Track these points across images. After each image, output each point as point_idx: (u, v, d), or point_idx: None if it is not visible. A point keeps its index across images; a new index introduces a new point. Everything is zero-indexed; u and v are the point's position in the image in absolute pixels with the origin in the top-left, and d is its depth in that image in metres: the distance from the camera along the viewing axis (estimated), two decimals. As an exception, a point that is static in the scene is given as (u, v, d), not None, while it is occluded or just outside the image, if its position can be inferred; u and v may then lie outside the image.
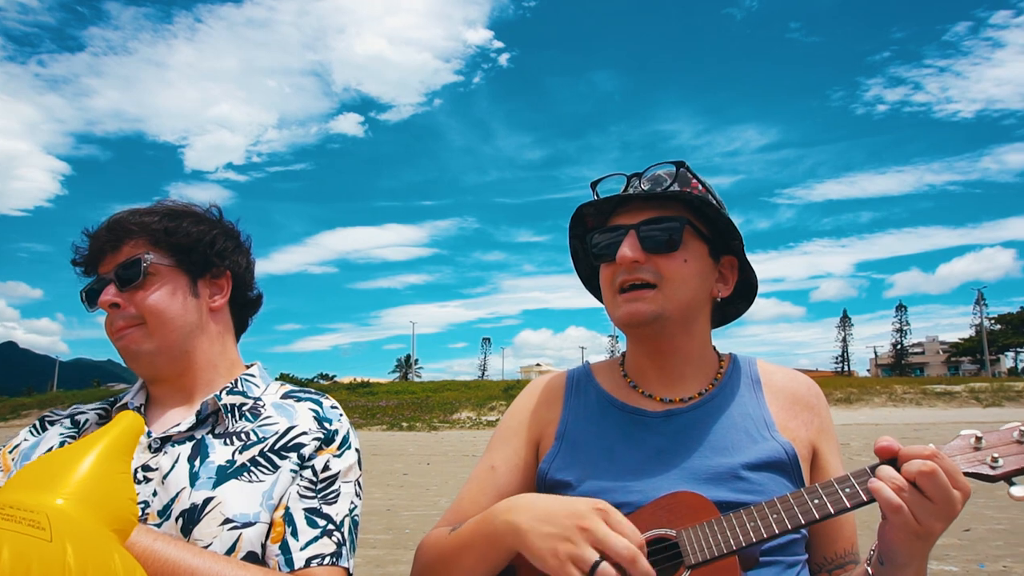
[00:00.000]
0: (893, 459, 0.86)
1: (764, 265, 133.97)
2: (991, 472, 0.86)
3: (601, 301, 1.27)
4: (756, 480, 1.02)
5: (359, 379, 55.17)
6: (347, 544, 1.06)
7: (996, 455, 0.86)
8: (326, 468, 1.09)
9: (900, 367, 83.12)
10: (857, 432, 21.30)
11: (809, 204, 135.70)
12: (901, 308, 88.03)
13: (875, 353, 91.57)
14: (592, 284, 1.27)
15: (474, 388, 46.16)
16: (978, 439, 0.88)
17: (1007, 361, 77.19)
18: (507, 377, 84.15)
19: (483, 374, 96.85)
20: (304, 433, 1.10)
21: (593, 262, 1.17)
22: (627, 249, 1.07)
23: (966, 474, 0.86)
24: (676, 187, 1.11)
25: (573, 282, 1.25)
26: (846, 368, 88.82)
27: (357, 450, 1.15)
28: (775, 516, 0.88)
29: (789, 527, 0.88)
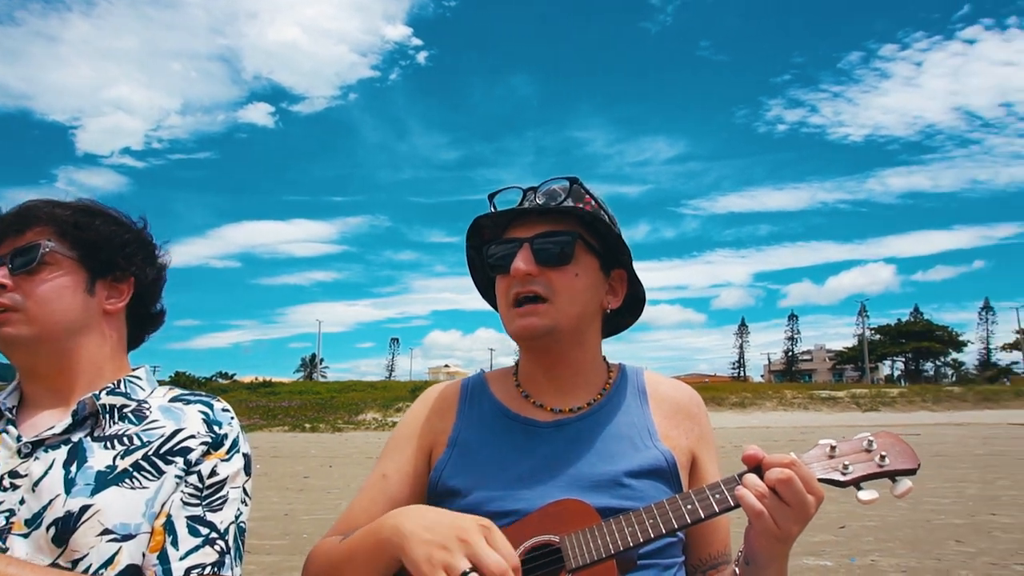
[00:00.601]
0: (758, 467, 0.93)
1: (669, 273, 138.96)
2: (842, 478, 0.94)
3: (497, 311, 1.29)
4: (637, 487, 1.07)
5: (261, 378, 53.15)
6: (232, 552, 1.02)
7: (847, 463, 0.94)
8: (213, 473, 1.04)
9: (791, 373, 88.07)
10: (750, 435, 22.40)
11: (712, 215, 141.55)
12: (793, 317, 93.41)
13: (768, 360, 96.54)
14: (489, 294, 1.29)
15: (381, 389, 45.45)
16: (833, 448, 0.96)
17: (885, 369, 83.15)
18: (415, 378, 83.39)
19: (391, 375, 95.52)
20: (192, 436, 1.05)
21: (489, 273, 1.18)
22: (521, 262, 1.10)
23: (820, 480, 0.93)
24: (570, 202, 1.14)
25: None
26: (742, 373, 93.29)
27: (246, 455, 1.11)
28: (651, 521, 0.93)
29: (664, 531, 0.93)
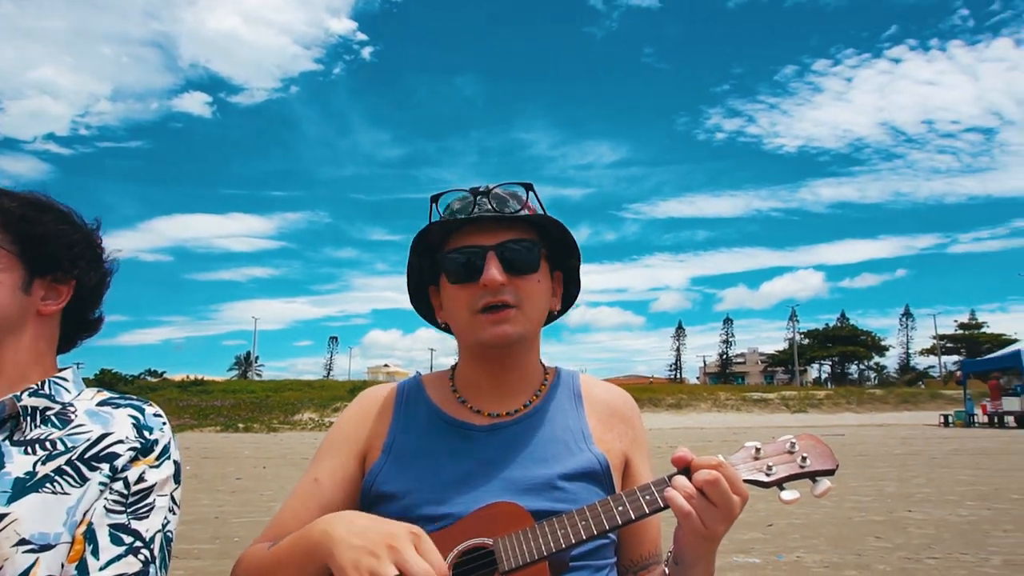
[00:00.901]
0: (687, 468, 0.95)
1: (609, 276, 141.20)
2: (766, 479, 0.98)
3: (425, 319, 1.29)
4: (571, 489, 1.08)
5: (193, 376, 51.38)
6: (156, 562, 0.97)
7: (771, 464, 0.98)
8: (140, 480, 0.99)
9: (725, 375, 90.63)
10: (684, 436, 22.94)
11: (652, 220, 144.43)
12: (728, 321, 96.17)
13: (704, 362, 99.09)
14: (420, 302, 1.27)
15: (318, 388, 44.67)
16: (758, 450, 1.00)
17: (813, 371, 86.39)
18: (354, 377, 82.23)
19: (329, 374, 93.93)
20: (120, 442, 1.00)
21: (449, 281, 1.15)
22: (495, 272, 1.09)
23: (745, 481, 0.96)
24: (526, 209, 1.15)
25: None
26: (678, 375, 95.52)
27: (176, 462, 1.07)
28: (583, 523, 0.95)
29: (595, 532, 0.94)
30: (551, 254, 1.20)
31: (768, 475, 0.97)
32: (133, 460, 1.00)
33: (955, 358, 71.42)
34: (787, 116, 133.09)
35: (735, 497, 0.93)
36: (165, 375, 61.66)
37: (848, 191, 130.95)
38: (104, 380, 39.83)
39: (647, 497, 0.95)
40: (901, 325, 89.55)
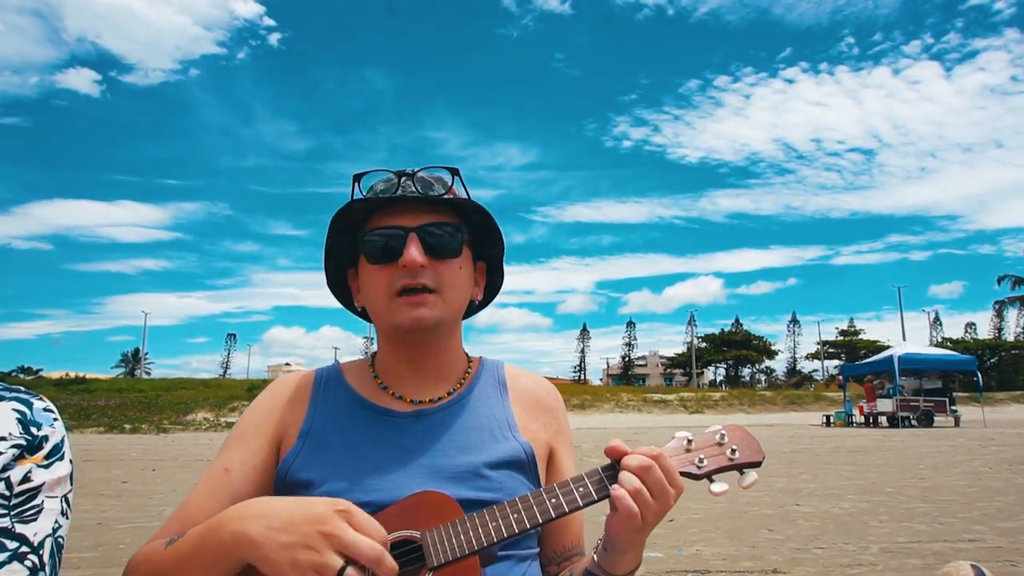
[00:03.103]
0: (617, 461, 0.95)
1: (517, 277, 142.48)
2: (697, 471, 0.98)
3: (343, 303, 1.24)
4: (496, 478, 1.06)
5: (73, 374, 47.91)
6: (46, 569, 0.86)
7: (702, 456, 0.99)
8: (26, 480, 0.88)
9: (627, 377, 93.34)
10: (589, 435, 23.41)
11: (560, 223, 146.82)
12: (631, 324, 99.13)
13: (607, 364, 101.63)
14: (337, 286, 1.23)
15: (214, 387, 42.59)
16: (689, 441, 1.00)
17: (709, 374, 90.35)
18: (253, 376, 79.22)
19: (226, 372, 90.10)
20: (1, 439, 0.88)
21: (368, 261, 1.11)
22: (416, 253, 1.05)
23: (679, 473, 0.97)
24: (450, 194, 1.12)
25: None
26: (582, 377, 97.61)
27: (71, 461, 0.96)
28: (515, 516, 0.92)
29: (528, 526, 0.92)
30: (474, 242, 1.18)
31: (699, 468, 0.98)
32: (17, 459, 0.89)
33: (836, 362, 76.62)
34: (690, 128, 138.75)
35: (671, 489, 0.93)
36: (41, 372, 57.26)
37: (744, 202, 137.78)
38: (-30, 377, 36.51)
39: (581, 490, 0.94)
40: (789, 331, 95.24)
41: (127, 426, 28.68)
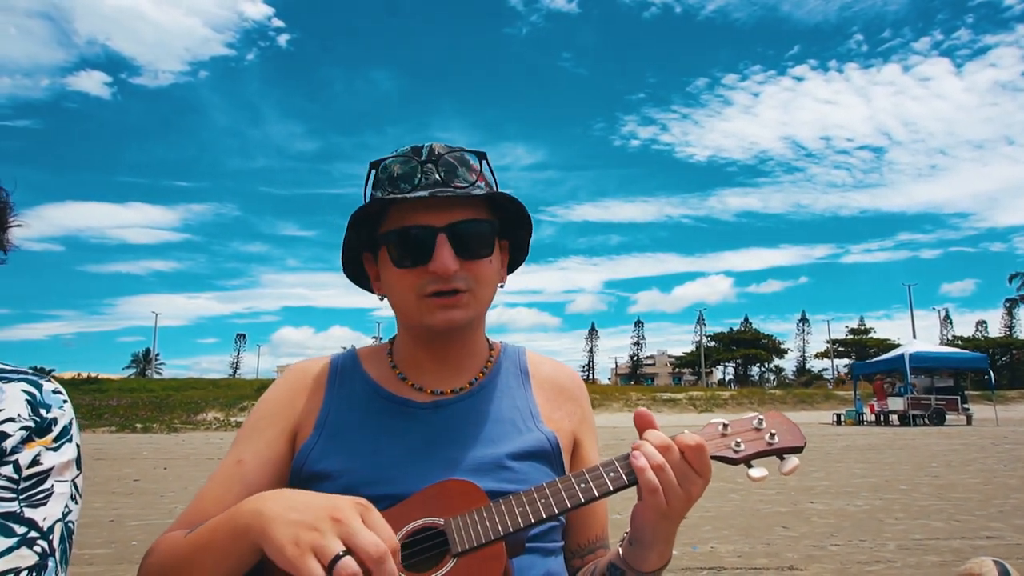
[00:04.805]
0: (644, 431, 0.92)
1: (525, 277, 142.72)
2: (734, 456, 0.94)
3: (362, 287, 1.19)
4: (520, 470, 1.02)
5: (85, 374, 48.19)
6: (56, 555, 0.84)
7: (739, 440, 0.94)
8: (35, 463, 0.86)
9: (635, 376, 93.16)
10: (598, 435, 23.33)
11: (568, 223, 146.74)
12: (639, 324, 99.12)
13: (616, 363, 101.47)
14: (358, 275, 1.17)
15: (223, 387, 42.73)
16: (725, 426, 0.96)
17: (718, 373, 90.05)
18: (262, 376, 79.43)
19: (235, 372, 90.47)
20: (10, 420, 0.86)
21: (393, 264, 1.03)
22: (448, 260, 0.99)
23: (713, 458, 0.93)
24: (479, 184, 1.05)
25: (339, 280, 1.13)
26: (591, 376, 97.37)
27: (78, 445, 0.93)
28: (543, 501, 0.88)
29: (556, 511, 0.88)
30: (502, 227, 1.12)
31: (736, 452, 0.94)
32: (26, 441, 0.87)
33: (846, 361, 76.17)
34: (698, 126, 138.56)
35: (699, 476, 0.89)
36: (53, 373, 57.63)
37: (753, 201, 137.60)
38: (-17, 377, 36.67)
39: (611, 475, 0.90)
40: (798, 330, 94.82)
41: (138, 425, 28.81)
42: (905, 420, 26.58)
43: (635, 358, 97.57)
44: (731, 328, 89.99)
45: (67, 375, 51.04)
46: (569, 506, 0.88)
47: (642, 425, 0.93)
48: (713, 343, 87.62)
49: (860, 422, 29.26)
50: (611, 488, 0.89)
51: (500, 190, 1.10)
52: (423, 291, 1.02)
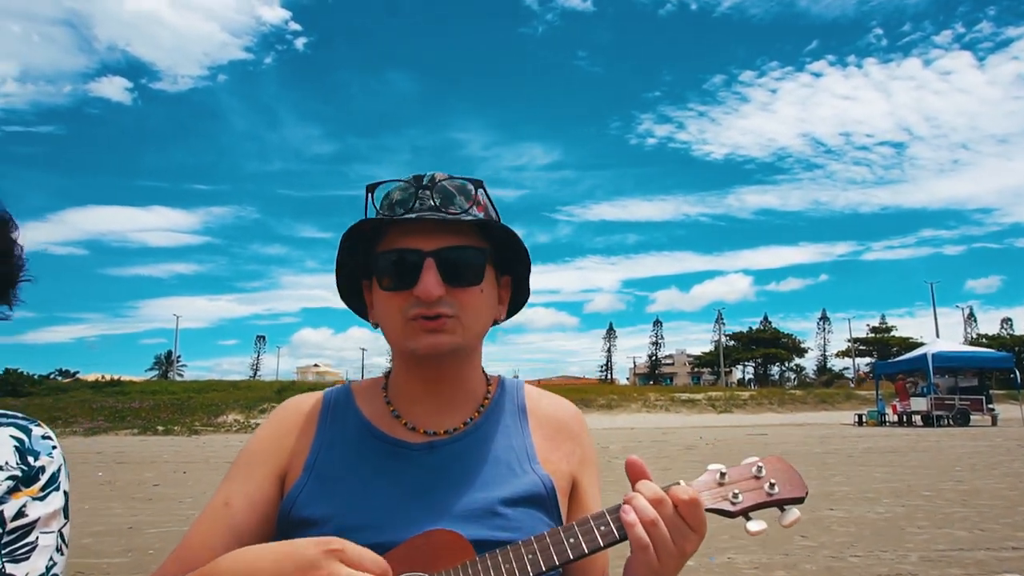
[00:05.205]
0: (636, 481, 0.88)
1: (542, 277, 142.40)
2: (732, 508, 0.89)
3: (360, 315, 1.15)
4: (513, 517, 0.97)
5: (108, 376, 48.82)
6: None
7: (737, 491, 0.89)
8: (20, 515, 0.84)
9: (654, 376, 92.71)
10: (616, 436, 23.25)
11: (585, 223, 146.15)
12: (657, 323, 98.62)
13: (634, 363, 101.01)
14: (352, 298, 1.15)
15: (244, 389, 43.14)
16: (722, 475, 0.91)
17: (737, 372, 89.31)
18: (282, 377, 79.96)
19: (255, 374, 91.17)
20: None
21: (380, 286, 1.02)
22: (432, 285, 0.96)
23: (709, 510, 0.88)
24: (475, 212, 1.02)
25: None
26: (609, 376, 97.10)
27: (66, 493, 0.91)
28: (531, 557, 0.84)
29: (544, 568, 0.84)
30: (498, 259, 1.08)
31: (734, 504, 0.88)
32: (12, 491, 0.85)
33: (867, 360, 75.25)
34: (715, 124, 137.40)
35: (693, 532, 0.85)
36: (78, 375, 58.52)
37: (771, 199, 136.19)
38: (9, 380, 37.27)
39: (602, 528, 0.86)
40: (819, 328, 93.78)
41: (160, 427, 29.17)
42: (928, 421, 26.19)
43: (653, 358, 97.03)
44: (750, 327, 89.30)
45: (91, 377, 51.84)
46: (557, 563, 0.84)
47: (634, 475, 0.89)
48: (732, 342, 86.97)
49: (882, 423, 28.86)
50: (601, 544, 0.85)
51: (501, 222, 1.06)
52: (407, 314, 0.99)
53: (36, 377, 45.44)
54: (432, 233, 1.00)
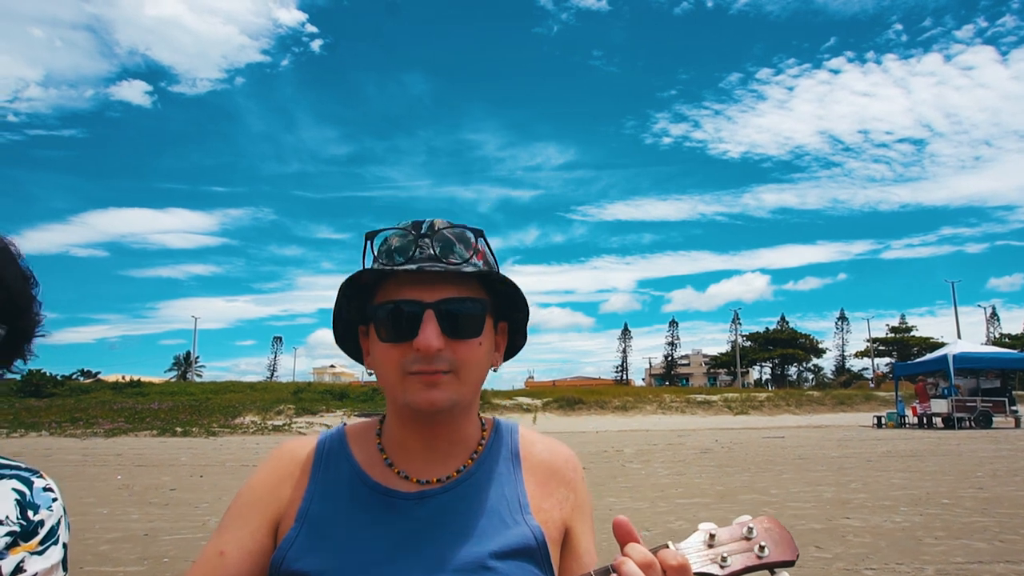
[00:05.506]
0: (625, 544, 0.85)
1: (558, 277, 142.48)
2: (720, 572, 0.87)
3: (355, 359, 1.15)
4: (503, 570, 0.97)
5: (128, 377, 49.42)
6: None
7: (726, 554, 0.88)
8: (19, 570, 0.84)
9: (670, 377, 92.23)
10: (631, 438, 23.16)
11: (600, 222, 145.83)
12: (673, 323, 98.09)
13: (650, 364, 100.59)
14: (347, 342, 1.15)
15: (260, 390, 43.44)
16: (712, 536, 0.89)
17: (754, 373, 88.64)
18: (299, 378, 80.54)
19: (272, 375, 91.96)
20: None
21: (379, 337, 1.01)
22: (432, 337, 0.95)
23: (697, 574, 0.86)
24: (475, 261, 1.01)
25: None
26: (624, 377, 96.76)
27: (65, 545, 0.92)
28: None
29: None
30: (497, 308, 1.08)
31: (723, 567, 0.86)
32: (11, 546, 0.85)
33: (887, 360, 74.34)
34: (731, 123, 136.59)
35: None
36: (99, 375, 59.27)
37: (788, 197, 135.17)
38: (32, 381, 37.79)
39: None
40: (837, 328, 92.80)
41: (178, 429, 29.44)
42: (949, 423, 25.85)
43: (669, 358, 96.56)
44: (767, 327, 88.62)
45: (111, 378, 52.51)
46: None
47: (622, 538, 0.87)
48: (749, 343, 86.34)
49: (902, 425, 28.53)
50: None
51: (499, 270, 1.06)
52: (407, 368, 0.98)
53: (59, 378, 46.10)
54: (432, 283, 0.99)
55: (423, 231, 1.01)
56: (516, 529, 1.02)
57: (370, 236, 1.03)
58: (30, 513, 0.89)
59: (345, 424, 1.18)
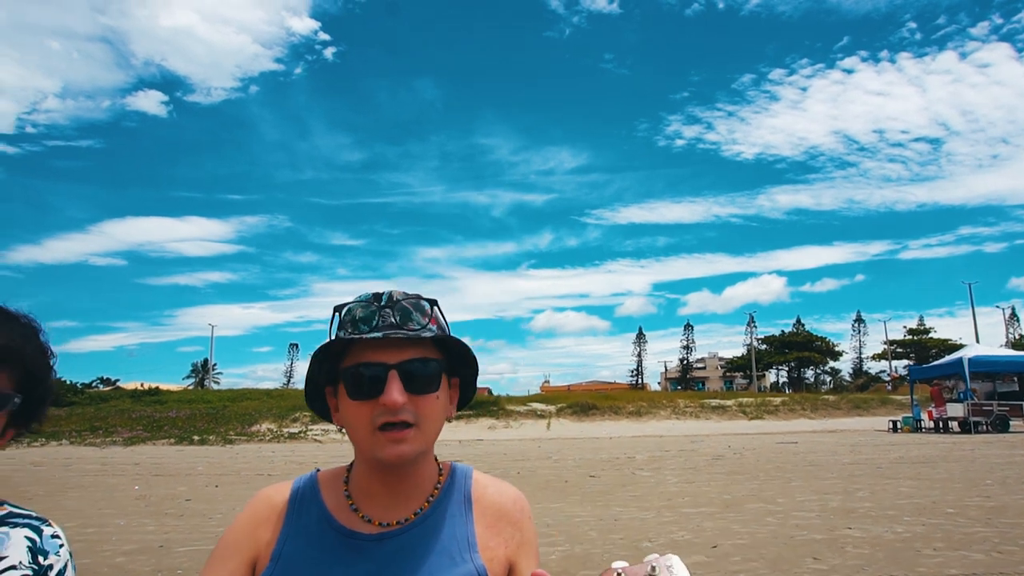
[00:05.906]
0: None
1: (572, 280, 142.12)
2: None
3: (323, 417, 1.29)
4: None
5: (147, 385, 50.05)
6: None
7: None
8: None
9: (685, 381, 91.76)
10: (644, 444, 23.15)
11: (614, 226, 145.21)
12: (688, 327, 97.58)
13: (665, 367, 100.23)
14: (316, 402, 1.28)
15: (277, 397, 43.72)
16: (619, 575, 1.02)
17: (771, 376, 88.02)
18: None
19: (289, 381, 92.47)
20: (12, 568, 0.98)
21: (349, 396, 1.16)
22: (396, 393, 1.10)
23: None
24: (431, 327, 1.17)
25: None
26: (639, 381, 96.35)
27: None
28: None
29: None
30: (450, 366, 1.23)
31: None
32: None
33: (905, 363, 73.51)
34: (745, 124, 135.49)
35: None
36: (118, 383, 59.96)
37: (803, 198, 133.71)
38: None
39: None
40: (853, 330, 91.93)
41: (195, 437, 29.78)
42: (966, 427, 25.59)
43: (685, 362, 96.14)
44: (783, 330, 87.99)
45: (130, 385, 53.09)
46: None
47: None
48: (764, 346, 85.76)
49: (918, 429, 28.27)
50: None
51: (450, 332, 1.22)
52: (375, 423, 1.12)
53: (79, 386, 46.79)
54: (394, 347, 1.15)
55: (383, 302, 1.17)
56: (463, 567, 1.16)
57: (338, 308, 1.19)
58: (40, 558, 1.03)
59: (318, 471, 1.34)
